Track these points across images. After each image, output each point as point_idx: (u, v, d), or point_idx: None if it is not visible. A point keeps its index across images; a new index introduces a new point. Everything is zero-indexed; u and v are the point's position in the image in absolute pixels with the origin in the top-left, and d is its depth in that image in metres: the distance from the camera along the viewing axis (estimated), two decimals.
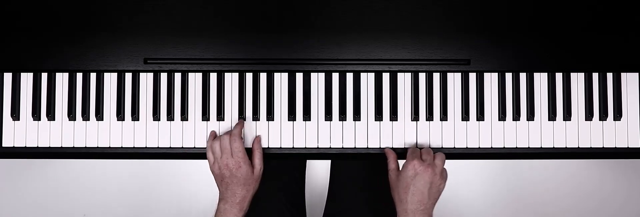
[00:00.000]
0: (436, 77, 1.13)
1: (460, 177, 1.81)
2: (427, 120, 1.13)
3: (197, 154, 1.12)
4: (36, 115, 1.12)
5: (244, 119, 1.11)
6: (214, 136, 1.10)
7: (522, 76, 1.13)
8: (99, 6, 1.10)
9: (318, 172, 1.79)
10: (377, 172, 1.31)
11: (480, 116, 1.12)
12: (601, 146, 1.13)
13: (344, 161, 1.33)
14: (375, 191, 1.28)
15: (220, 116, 1.12)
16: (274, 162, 1.28)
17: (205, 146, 1.12)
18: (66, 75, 1.13)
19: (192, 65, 1.11)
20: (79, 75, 1.13)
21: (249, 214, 1.23)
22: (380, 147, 1.12)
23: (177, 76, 1.13)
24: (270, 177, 1.27)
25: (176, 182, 1.84)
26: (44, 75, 1.13)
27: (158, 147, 1.12)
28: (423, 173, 1.00)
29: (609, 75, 1.14)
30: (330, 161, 1.42)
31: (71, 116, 1.12)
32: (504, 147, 1.12)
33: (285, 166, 1.32)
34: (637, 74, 1.14)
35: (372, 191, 1.28)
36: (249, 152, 1.08)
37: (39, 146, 1.12)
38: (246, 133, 1.12)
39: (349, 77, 1.13)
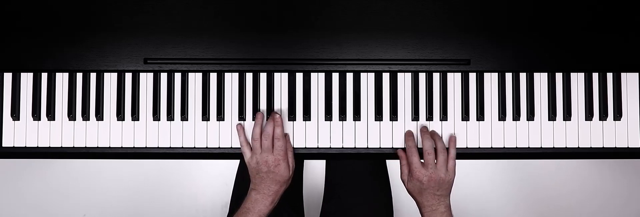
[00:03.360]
0: (436, 77, 1.13)
1: (460, 178, 1.81)
2: (427, 120, 1.13)
3: (197, 154, 1.12)
4: (36, 115, 1.12)
5: (281, 117, 1.10)
6: (243, 131, 1.10)
7: (522, 76, 1.13)
8: (99, 6, 1.10)
9: (316, 172, 1.79)
10: (371, 171, 1.31)
11: (480, 116, 1.12)
12: (601, 146, 1.13)
13: (339, 161, 1.33)
14: (371, 189, 1.28)
15: (220, 116, 1.12)
16: None
17: (205, 146, 1.12)
18: (66, 75, 1.13)
19: (192, 65, 1.11)
20: (79, 75, 1.13)
21: None
22: (380, 147, 1.12)
23: (177, 76, 1.13)
24: None
25: (176, 182, 1.84)
26: (44, 75, 1.13)
27: (158, 147, 1.12)
28: (428, 182, 1.04)
29: (609, 75, 1.14)
30: (325, 160, 1.42)
31: (71, 115, 1.12)
32: (504, 147, 1.12)
33: None
34: (637, 74, 1.14)
35: (368, 190, 1.28)
36: None
37: (39, 146, 1.12)
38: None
39: (349, 77, 1.13)
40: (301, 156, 1.13)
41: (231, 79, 1.13)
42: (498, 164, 1.83)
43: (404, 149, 1.10)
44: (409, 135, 1.10)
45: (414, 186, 1.05)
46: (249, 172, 1.08)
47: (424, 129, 1.10)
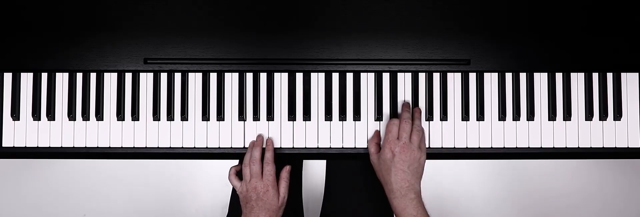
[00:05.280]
0: (436, 77, 1.13)
1: (460, 178, 1.81)
2: (427, 120, 1.13)
3: (197, 154, 1.12)
4: (36, 115, 1.12)
5: (272, 142, 1.12)
6: (236, 167, 1.13)
7: (522, 76, 1.13)
8: (99, 6, 1.10)
9: (315, 172, 1.79)
10: (372, 171, 1.31)
11: (480, 116, 1.12)
12: (601, 146, 1.13)
13: (339, 160, 1.32)
14: (371, 189, 1.28)
15: (220, 116, 1.12)
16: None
17: (205, 146, 1.12)
18: (66, 75, 1.13)
19: (192, 65, 1.11)
20: (79, 75, 1.13)
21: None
22: None
23: (177, 76, 1.13)
24: None
25: (176, 182, 1.84)
26: (44, 75, 1.13)
27: (158, 147, 1.12)
28: (400, 154, 1.02)
29: (609, 75, 1.14)
30: (325, 160, 1.42)
31: (71, 116, 1.12)
32: (504, 147, 1.12)
33: (281, 166, 1.32)
34: (637, 74, 1.14)
35: (368, 189, 1.28)
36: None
37: (39, 146, 1.12)
38: (245, 132, 1.12)
39: (349, 77, 1.13)
40: (301, 156, 1.13)
41: (231, 79, 1.13)
42: (496, 165, 1.83)
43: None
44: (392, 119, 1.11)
45: (384, 161, 1.03)
46: (240, 203, 1.09)
47: (405, 104, 1.11)
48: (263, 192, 1.05)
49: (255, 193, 1.05)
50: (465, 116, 1.12)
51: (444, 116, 1.12)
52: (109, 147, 1.12)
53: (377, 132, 1.11)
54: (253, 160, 1.07)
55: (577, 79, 1.14)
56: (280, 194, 1.07)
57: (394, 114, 1.12)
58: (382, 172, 1.05)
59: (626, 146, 1.13)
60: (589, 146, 1.13)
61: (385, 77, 1.13)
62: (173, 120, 1.12)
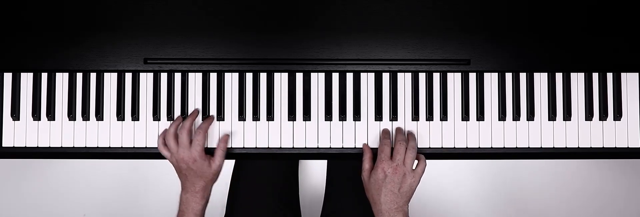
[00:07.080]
0: (436, 77, 1.13)
1: (460, 178, 1.81)
2: (427, 120, 1.13)
3: None
4: (36, 115, 1.12)
5: (213, 117, 1.11)
6: (164, 135, 1.11)
7: (522, 76, 1.13)
8: (99, 6, 1.10)
9: (314, 172, 1.79)
10: None
11: (480, 116, 1.12)
12: (601, 146, 1.13)
13: (340, 161, 1.32)
14: None
15: (221, 116, 1.12)
16: (266, 162, 1.28)
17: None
18: (66, 75, 1.13)
19: (192, 65, 1.11)
20: (79, 75, 1.13)
21: (242, 215, 1.23)
22: None
23: (177, 76, 1.13)
24: (262, 177, 1.27)
25: (175, 182, 1.84)
26: (44, 75, 1.13)
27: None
28: (392, 175, 1.02)
29: (609, 75, 1.14)
30: (326, 161, 1.42)
31: (71, 116, 1.12)
32: (504, 147, 1.12)
33: (277, 166, 1.32)
34: (637, 74, 1.14)
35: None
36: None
37: (39, 146, 1.12)
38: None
39: (349, 77, 1.13)
40: (302, 156, 1.13)
41: (231, 79, 1.13)
42: (495, 165, 1.83)
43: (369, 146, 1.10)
44: (385, 132, 1.10)
45: (375, 180, 1.03)
46: (176, 172, 1.09)
47: (399, 128, 1.11)
48: (191, 162, 1.05)
49: (184, 163, 1.06)
50: (465, 116, 1.12)
51: (444, 116, 1.12)
52: (109, 147, 1.12)
53: (367, 147, 1.10)
54: (182, 129, 1.06)
55: (577, 79, 1.14)
56: (215, 162, 1.07)
57: (393, 114, 1.12)
58: (372, 191, 1.04)
59: (626, 146, 1.13)
60: (589, 146, 1.13)
61: (385, 77, 1.13)
62: (173, 120, 1.12)
